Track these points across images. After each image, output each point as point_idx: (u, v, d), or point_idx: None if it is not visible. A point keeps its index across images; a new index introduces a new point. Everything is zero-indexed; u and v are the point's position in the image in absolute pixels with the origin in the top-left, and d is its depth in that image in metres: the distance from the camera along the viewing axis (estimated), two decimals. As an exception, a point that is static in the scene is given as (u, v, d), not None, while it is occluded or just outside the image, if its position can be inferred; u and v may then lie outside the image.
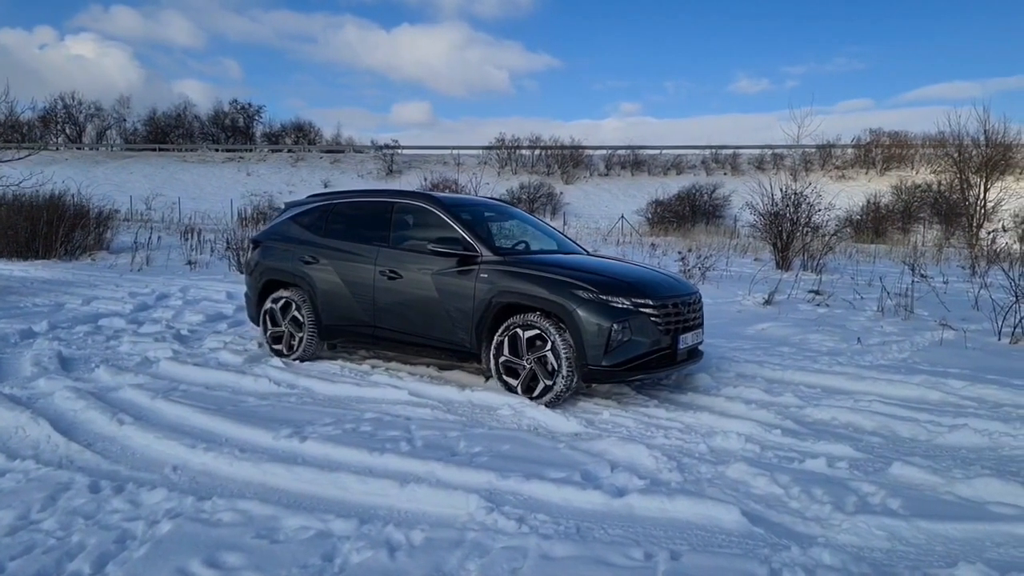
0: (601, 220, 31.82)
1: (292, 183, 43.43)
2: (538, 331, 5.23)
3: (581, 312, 5.09)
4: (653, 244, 21.89)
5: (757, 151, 43.47)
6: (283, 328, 6.63)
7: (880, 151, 41.15)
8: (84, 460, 3.98)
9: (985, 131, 27.47)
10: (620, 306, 5.15)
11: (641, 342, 5.18)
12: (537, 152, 43.15)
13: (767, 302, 10.43)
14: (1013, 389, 5.73)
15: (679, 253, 16.18)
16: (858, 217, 30.96)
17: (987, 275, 13.07)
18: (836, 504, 3.58)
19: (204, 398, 5.20)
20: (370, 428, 4.57)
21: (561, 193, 36.40)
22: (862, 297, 10.84)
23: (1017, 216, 29.30)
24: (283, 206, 7.49)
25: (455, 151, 44.66)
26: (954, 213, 29.03)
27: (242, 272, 12.51)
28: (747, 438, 4.54)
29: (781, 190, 15.86)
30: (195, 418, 4.70)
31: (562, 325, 5.18)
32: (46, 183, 15.11)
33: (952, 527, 3.32)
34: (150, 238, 15.86)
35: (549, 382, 5.18)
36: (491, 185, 17.93)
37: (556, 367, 5.15)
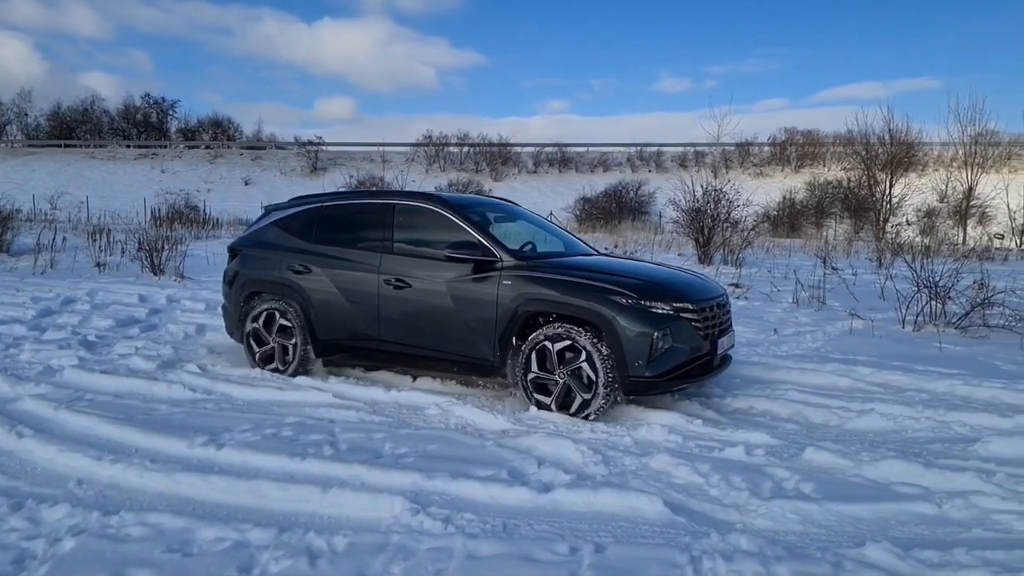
0: (529, 217, 32.02)
1: (210, 181, 41.91)
2: (571, 342, 4.88)
3: (621, 320, 4.77)
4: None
5: (680, 149, 44.62)
6: (271, 344, 6.05)
7: (795, 149, 42.89)
8: (-23, 477, 3.72)
9: (890, 130, 29.07)
10: (661, 311, 4.85)
11: (683, 349, 4.89)
12: (465, 149, 43.07)
13: (690, 296, 10.69)
14: (916, 374, 6.06)
15: (606, 248, 16.42)
16: (775, 212, 32.17)
17: (892, 267, 13.80)
18: (753, 490, 3.69)
19: (112, 407, 4.93)
20: (291, 433, 4.44)
21: (490, 190, 36.22)
22: (778, 289, 11.27)
23: (920, 210, 31.06)
24: (262, 210, 6.98)
25: (381, 148, 44.02)
26: (862, 208, 30.51)
27: (156, 274, 11.97)
28: (670, 429, 4.63)
29: (702, 187, 16.34)
30: (102, 428, 4.46)
31: (599, 334, 4.84)
32: (-64, 181, 14.05)
33: (860, 508, 3.48)
34: (55, 239, 14.98)
35: (587, 395, 4.85)
36: (418, 183, 17.71)
37: (594, 380, 4.82)
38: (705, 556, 2.94)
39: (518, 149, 44.16)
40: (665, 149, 45.12)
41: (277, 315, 6.02)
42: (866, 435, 4.71)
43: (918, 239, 22.73)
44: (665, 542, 3.11)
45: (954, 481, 3.80)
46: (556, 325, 4.97)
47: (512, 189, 39.07)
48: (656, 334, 4.77)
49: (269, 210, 6.74)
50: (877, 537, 3.17)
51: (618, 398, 5.04)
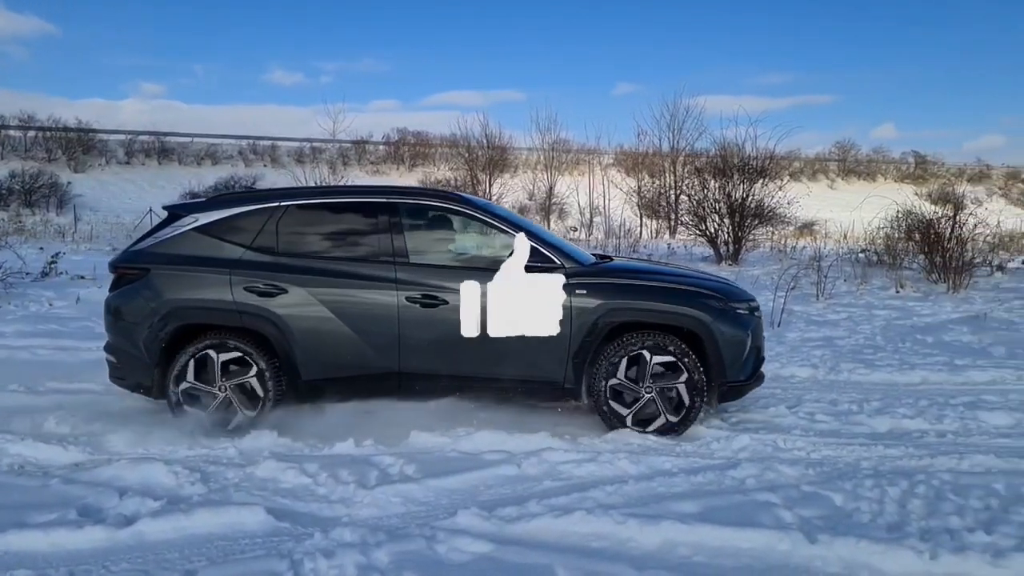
0: (125, 214, 28.19)
1: None
2: (674, 358, 4.56)
3: (719, 324, 4.61)
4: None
5: (296, 144, 43.76)
6: (218, 393, 4.59)
7: (407, 149, 45.28)
8: None
9: (486, 135, 32.67)
10: (743, 312, 4.82)
11: (758, 348, 4.95)
12: (32, 134, 35.91)
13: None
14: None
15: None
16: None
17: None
18: (360, 482, 3.76)
19: None
20: None
21: (69, 183, 30.90)
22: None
23: (515, 208, 35.50)
24: (164, 212, 4.98)
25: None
26: (468, 205, 33.78)
27: None
28: (280, 432, 4.45)
29: (317, 183, 16.29)
30: None
31: (693, 342, 4.62)
32: None
33: (455, 480, 3.78)
34: None
35: (675, 418, 4.59)
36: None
37: (688, 396, 4.56)
38: (307, 558, 2.89)
39: (104, 136, 38.42)
40: (280, 143, 43.83)
41: (237, 356, 4.63)
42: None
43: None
44: (266, 552, 2.98)
45: (531, 443, 4.35)
46: (644, 336, 4.62)
47: (99, 182, 34.15)
48: (746, 335, 4.76)
49: (177, 212, 4.98)
50: (468, 504, 3.47)
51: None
